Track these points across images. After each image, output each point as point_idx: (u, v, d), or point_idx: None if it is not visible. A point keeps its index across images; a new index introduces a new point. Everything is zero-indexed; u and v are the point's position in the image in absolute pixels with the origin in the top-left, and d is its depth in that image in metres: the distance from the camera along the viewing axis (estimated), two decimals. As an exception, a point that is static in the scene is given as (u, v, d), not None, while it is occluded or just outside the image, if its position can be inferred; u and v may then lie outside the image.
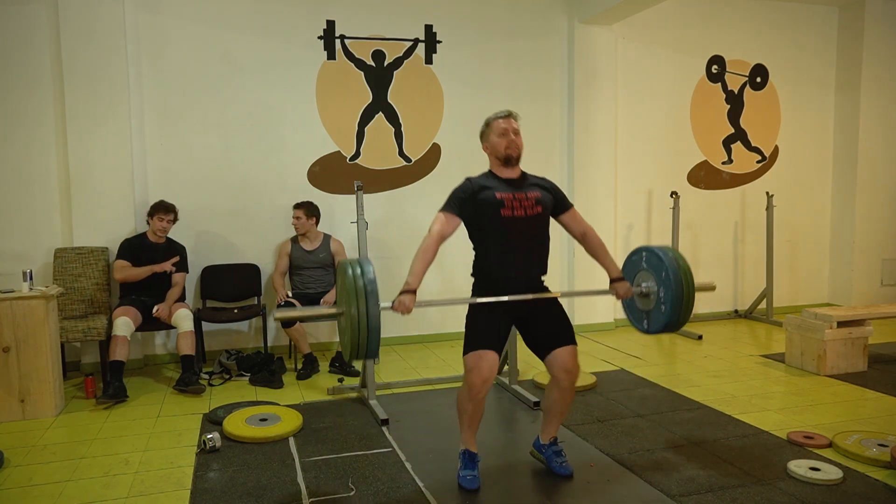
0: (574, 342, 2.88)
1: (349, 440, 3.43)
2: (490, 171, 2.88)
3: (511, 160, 2.81)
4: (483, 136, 2.90)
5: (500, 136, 2.81)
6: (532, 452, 3.13)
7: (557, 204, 2.94)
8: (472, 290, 2.90)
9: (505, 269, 2.79)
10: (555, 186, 2.97)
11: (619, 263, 3.15)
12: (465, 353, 2.77)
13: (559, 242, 5.95)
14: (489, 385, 2.77)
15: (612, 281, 3.05)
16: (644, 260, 3.09)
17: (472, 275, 2.90)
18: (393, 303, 2.66)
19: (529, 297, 2.78)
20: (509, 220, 2.75)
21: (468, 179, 2.84)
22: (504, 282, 2.78)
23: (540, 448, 3.07)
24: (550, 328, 2.86)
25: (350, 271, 2.54)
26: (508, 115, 2.85)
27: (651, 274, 3.03)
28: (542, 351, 2.87)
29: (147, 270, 4.46)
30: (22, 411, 3.81)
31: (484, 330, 2.77)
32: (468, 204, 2.78)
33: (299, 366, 4.71)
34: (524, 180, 2.87)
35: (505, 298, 2.74)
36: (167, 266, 4.48)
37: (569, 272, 6.00)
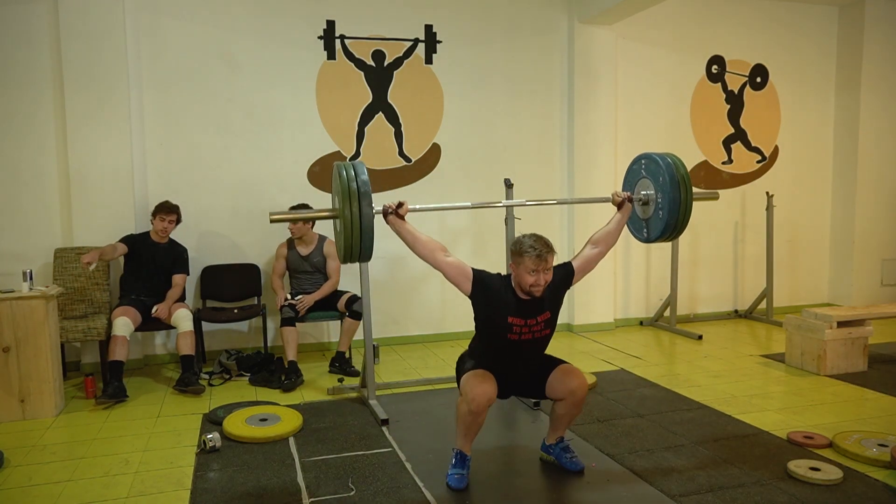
0: (565, 361, 2.95)
1: (349, 440, 3.43)
2: (510, 285, 2.80)
3: (533, 297, 2.74)
4: (513, 257, 2.76)
5: (530, 273, 2.68)
6: (541, 455, 3.13)
7: (567, 279, 2.92)
8: (470, 351, 2.97)
9: (504, 370, 2.85)
10: (560, 276, 2.87)
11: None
12: (462, 386, 2.80)
13: (559, 242, 5.96)
14: (491, 402, 2.77)
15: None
16: (643, 168, 3.11)
17: (471, 356, 2.94)
18: (384, 208, 2.75)
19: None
20: (514, 343, 2.79)
21: (492, 274, 2.83)
22: (503, 377, 2.84)
23: (547, 449, 3.08)
24: (545, 362, 2.94)
25: (344, 173, 2.58)
26: (546, 255, 2.68)
27: (650, 181, 3.05)
28: (541, 391, 2.93)
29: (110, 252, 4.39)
30: (22, 411, 3.81)
31: (482, 372, 2.81)
32: (484, 289, 2.77)
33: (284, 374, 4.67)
34: (541, 299, 2.78)
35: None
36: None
37: (569, 272, 5.99)
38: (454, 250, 5.96)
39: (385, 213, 2.77)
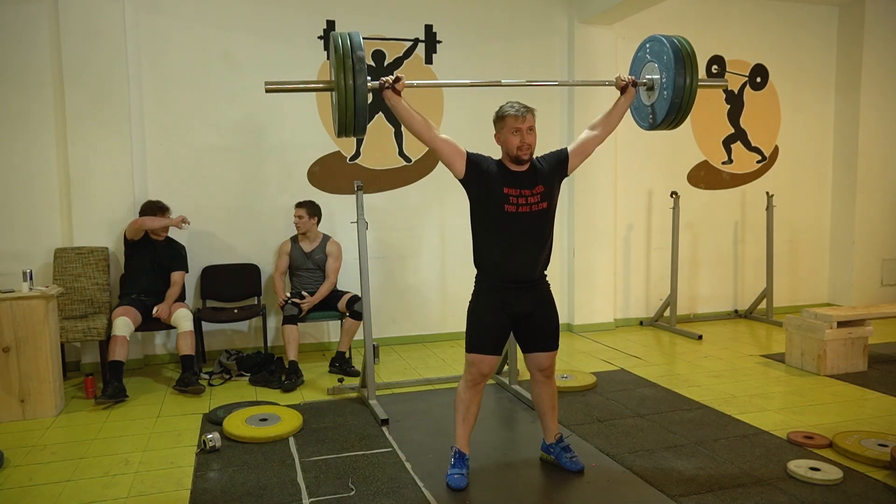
0: (556, 348, 2.97)
1: (349, 440, 3.43)
2: (500, 162, 2.84)
3: (522, 161, 2.78)
4: (496, 125, 2.83)
5: (513, 133, 2.74)
6: (542, 456, 3.14)
7: (562, 163, 2.91)
8: (476, 283, 2.93)
9: (507, 265, 2.81)
10: (555, 157, 2.92)
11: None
12: (467, 350, 2.86)
13: (559, 242, 5.95)
14: (489, 377, 2.90)
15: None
16: (648, 51, 3.04)
17: (475, 264, 2.93)
18: (381, 79, 2.70)
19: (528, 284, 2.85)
20: (513, 215, 2.76)
21: (489, 157, 2.85)
22: (507, 277, 2.82)
23: (547, 449, 3.09)
24: (542, 332, 2.92)
25: (340, 44, 2.56)
26: (525, 113, 2.75)
27: (655, 63, 2.99)
28: (526, 347, 2.96)
29: (162, 222, 4.50)
30: (22, 411, 3.81)
31: (486, 331, 2.84)
32: (476, 169, 2.79)
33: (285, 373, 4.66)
34: (533, 172, 2.82)
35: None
36: (177, 222, 4.51)
37: (569, 272, 6.00)
38: (450, 249, 5.96)
39: (381, 88, 2.71)
